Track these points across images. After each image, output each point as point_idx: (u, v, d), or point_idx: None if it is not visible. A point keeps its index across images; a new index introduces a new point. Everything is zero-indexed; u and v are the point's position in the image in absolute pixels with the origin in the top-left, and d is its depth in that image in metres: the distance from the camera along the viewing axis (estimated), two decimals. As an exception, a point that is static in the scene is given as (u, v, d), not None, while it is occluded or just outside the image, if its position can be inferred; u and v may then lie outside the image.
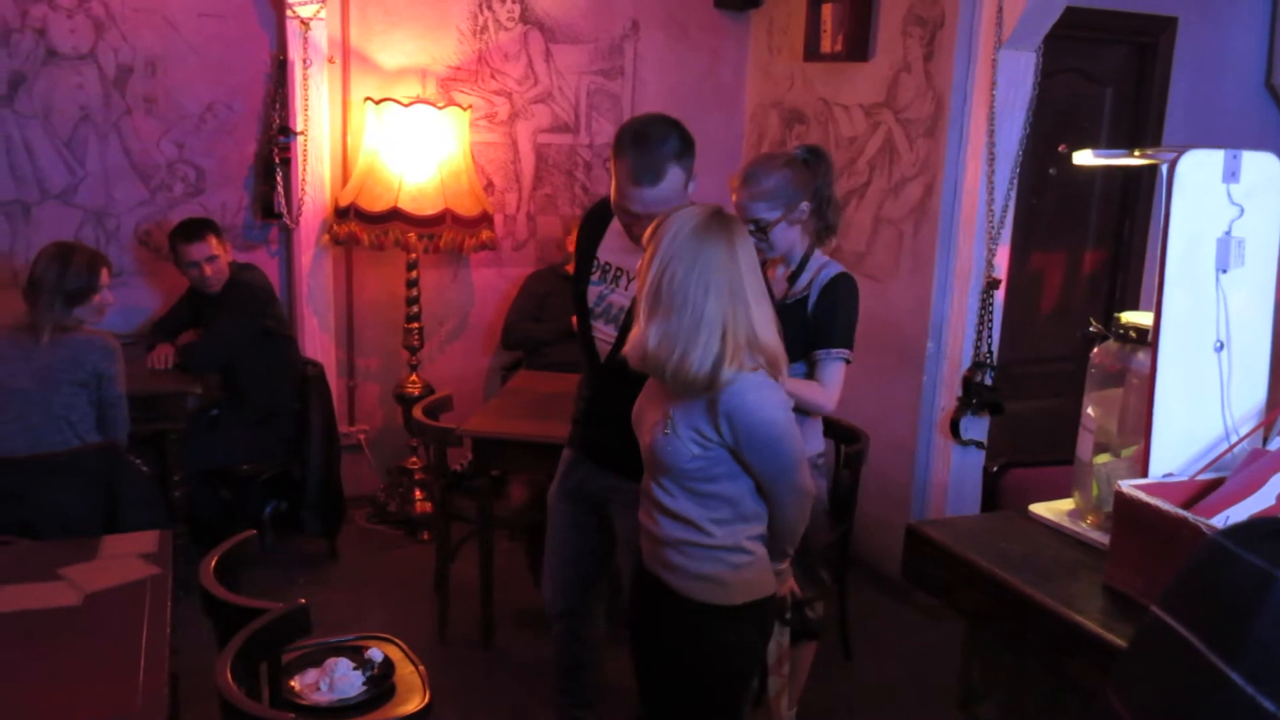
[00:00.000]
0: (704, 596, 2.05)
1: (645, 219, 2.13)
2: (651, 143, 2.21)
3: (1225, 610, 0.94)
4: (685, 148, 2.25)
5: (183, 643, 2.43)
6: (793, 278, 2.69)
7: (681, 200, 2.24)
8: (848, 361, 2.66)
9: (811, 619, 2.81)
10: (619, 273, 2.42)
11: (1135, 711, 0.96)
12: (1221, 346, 1.66)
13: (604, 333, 2.44)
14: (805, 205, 2.62)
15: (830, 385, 2.62)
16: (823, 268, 2.67)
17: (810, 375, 2.64)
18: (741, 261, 1.94)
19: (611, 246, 2.44)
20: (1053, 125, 4.09)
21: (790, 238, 2.65)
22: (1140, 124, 4.42)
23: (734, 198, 2.64)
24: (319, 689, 2.44)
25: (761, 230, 2.59)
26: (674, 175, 2.21)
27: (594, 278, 2.46)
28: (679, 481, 2.02)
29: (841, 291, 2.62)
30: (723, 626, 2.07)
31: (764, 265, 2.66)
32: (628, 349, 1.99)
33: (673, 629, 2.12)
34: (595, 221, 2.51)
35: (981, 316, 3.74)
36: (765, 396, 1.96)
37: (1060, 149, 4.21)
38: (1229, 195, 1.64)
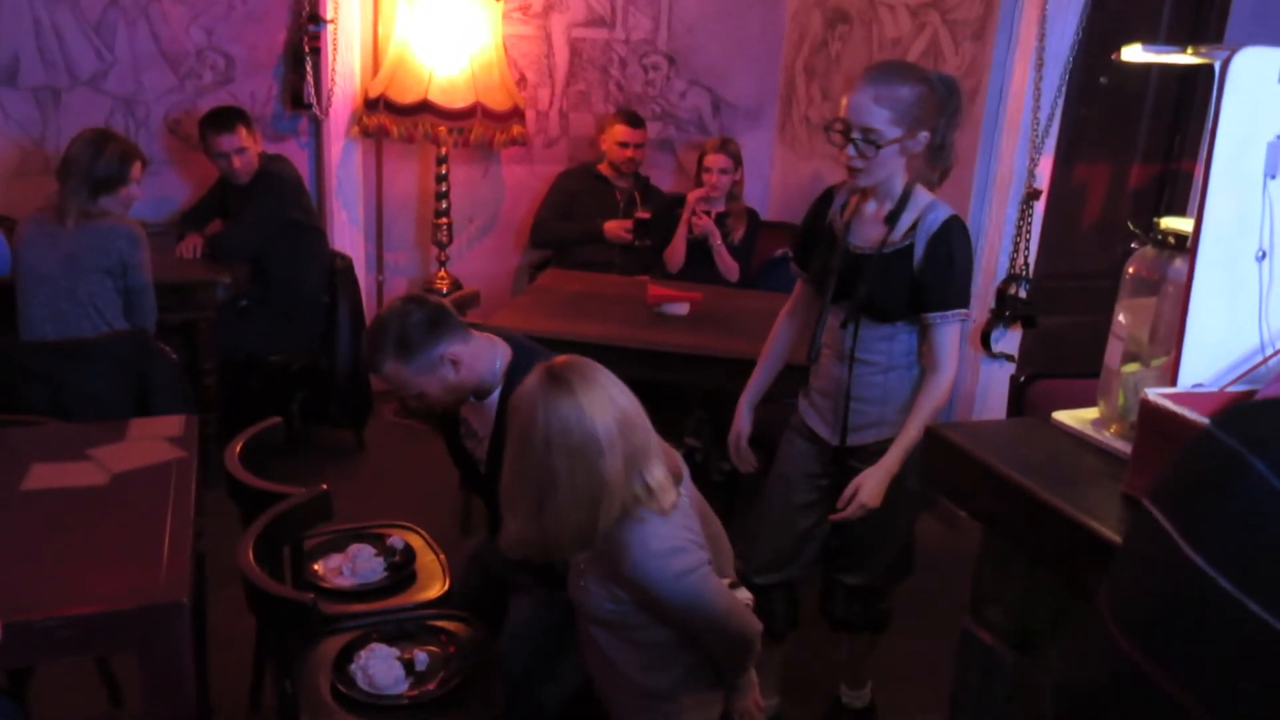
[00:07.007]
0: None
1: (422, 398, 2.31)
2: (371, 339, 2.29)
3: (1198, 494, 0.89)
4: (411, 340, 2.21)
5: (211, 529, 2.49)
6: (891, 217, 2.31)
7: (435, 370, 2.23)
8: (964, 321, 2.34)
9: (881, 610, 2.64)
10: None
11: (1117, 608, 0.92)
12: (1264, 256, 1.60)
13: None
14: (924, 136, 2.24)
15: (948, 356, 2.31)
16: (928, 209, 2.29)
17: (921, 338, 2.35)
18: (595, 407, 1.71)
19: None
20: (1108, 31, 3.92)
21: (891, 167, 2.26)
22: (1200, 29, 4.23)
23: (845, 97, 2.23)
24: (341, 573, 2.50)
25: (871, 144, 2.19)
26: (392, 369, 2.24)
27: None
28: (603, 628, 1.92)
29: (956, 240, 2.28)
30: None
31: (847, 198, 2.43)
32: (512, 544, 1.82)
33: None
34: None
35: (1020, 227, 3.65)
36: (668, 560, 1.78)
37: (1114, 56, 4.05)
38: (1284, 97, 1.56)
